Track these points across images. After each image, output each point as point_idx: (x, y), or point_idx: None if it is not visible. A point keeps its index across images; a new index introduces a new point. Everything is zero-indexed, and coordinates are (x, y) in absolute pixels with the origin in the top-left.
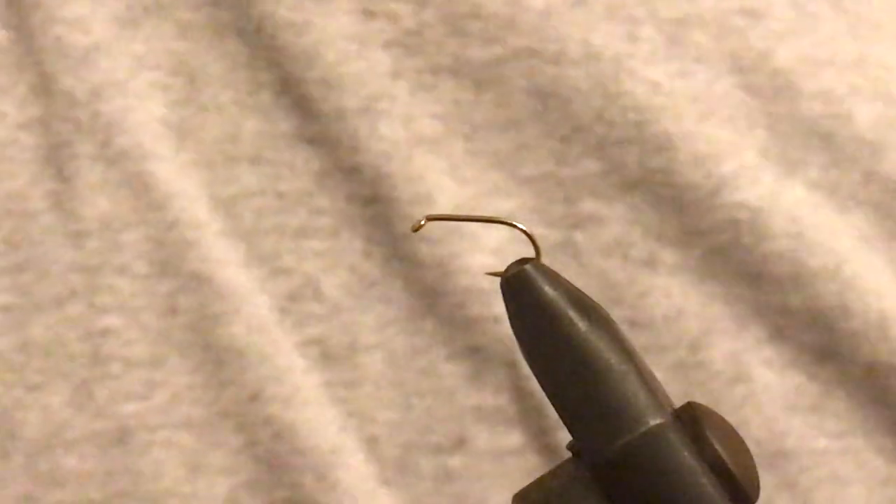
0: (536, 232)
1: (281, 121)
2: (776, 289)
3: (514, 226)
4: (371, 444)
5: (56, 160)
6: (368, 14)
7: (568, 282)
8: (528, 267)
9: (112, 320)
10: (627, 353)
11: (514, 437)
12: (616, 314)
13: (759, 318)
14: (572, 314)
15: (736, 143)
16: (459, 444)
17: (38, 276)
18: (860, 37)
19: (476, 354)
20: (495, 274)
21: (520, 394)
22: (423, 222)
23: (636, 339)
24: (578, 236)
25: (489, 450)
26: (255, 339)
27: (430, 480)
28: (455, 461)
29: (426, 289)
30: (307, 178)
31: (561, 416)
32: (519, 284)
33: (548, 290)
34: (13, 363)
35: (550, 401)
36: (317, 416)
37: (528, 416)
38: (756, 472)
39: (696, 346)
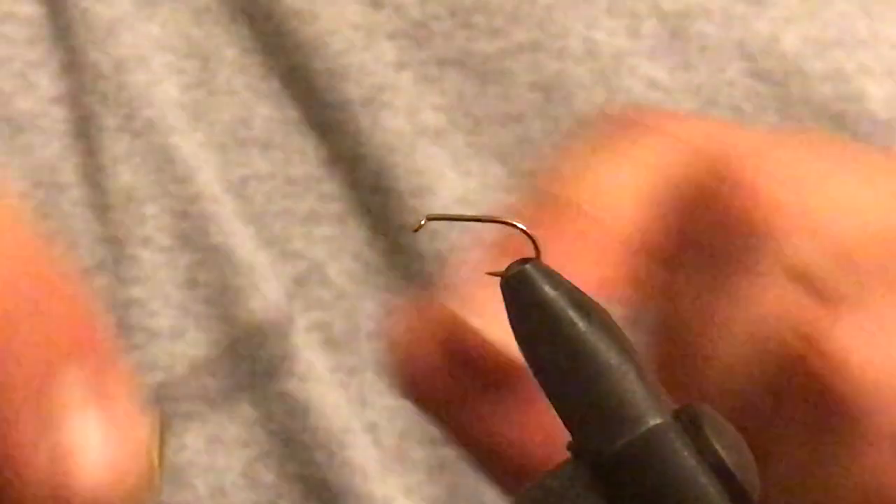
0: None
1: (290, 107)
2: None
3: (515, 226)
4: (371, 429)
5: (85, 133)
6: (375, 4)
7: (568, 282)
8: (528, 267)
9: (137, 292)
10: (627, 353)
11: None
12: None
13: None
14: (572, 314)
15: None
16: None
17: (66, 248)
18: (872, 14)
19: None
20: (495, 274)
21: None
22: (423, 222)
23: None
24: None
25: None
26: (272, 316)
27: (425, 470)
28: (449, 452)
29: (427, 281)
30: (317, 164)
31: (560, 416)
32: (519, 284)
33: (548, 290)
34: None
35: (550, 400)
36: (328, 396)
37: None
38: (756, 473)
39: None
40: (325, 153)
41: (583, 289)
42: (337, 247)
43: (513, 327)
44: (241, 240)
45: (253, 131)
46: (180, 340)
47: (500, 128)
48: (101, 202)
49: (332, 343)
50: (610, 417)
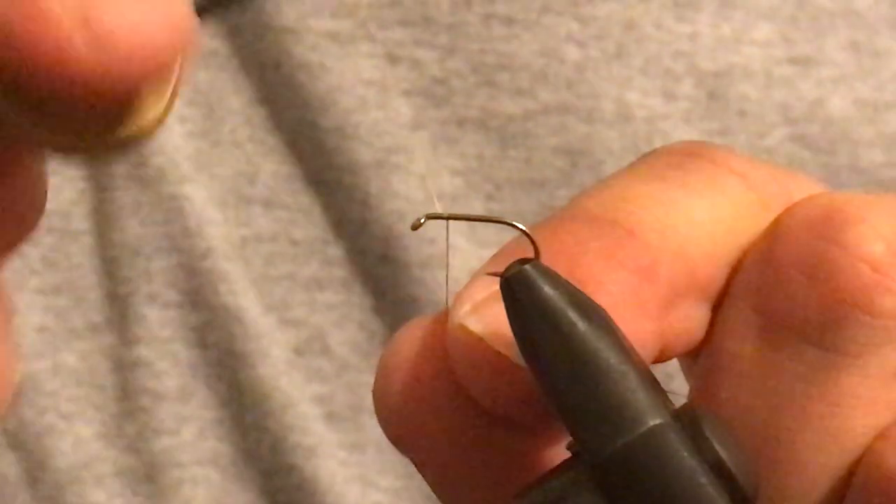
0: None
1: (297, 164)
2: None
3: (514, 226)
4: None
5: (97, 179)
6: (392, 59)
7: (568, 282)
8: (527, 267)
9: (143, 351)
10: (627, 354)
11: None
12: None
13: None
14: (572, 314)
15: None
16: None
17: (74, 301)
18: None
19: None
20: (495, 274)
21: None
22: (422, 221)
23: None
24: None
25: None
26: (281, 384)
27: None
28: None
29: None
30: (322, 226)
31: (560, 416)
32: (518, 284)
33: (547, 290)
34: (46, 388)
35: (550, 401)
36: (337, 473)
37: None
38: (756, 472)
39: None
40: (331, 215)
41: (637, 343)
42: (340, 315)
43: (512, 327)
44: (250, 302)
45: (256, 188)
46: (189, 402)
47: (521, 194)
48: (109, 254)
49: (333, 417)
50: (610, 417)
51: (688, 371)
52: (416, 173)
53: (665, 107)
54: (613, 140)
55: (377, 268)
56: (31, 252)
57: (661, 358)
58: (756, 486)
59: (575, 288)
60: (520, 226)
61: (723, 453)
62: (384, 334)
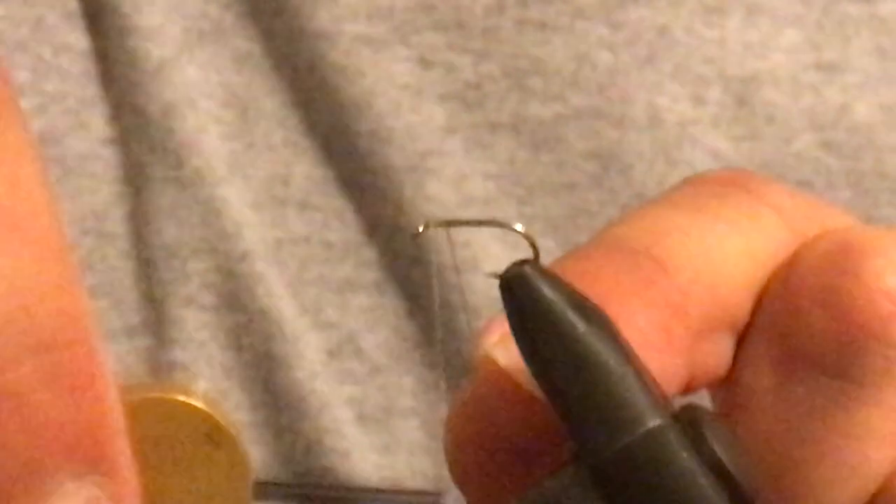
0: None
1: (331, 167)
2: None
3: (514, 229)
4: None
5: (133, 181)
6: (425, 63)
7: (568, 283)
8: (526, 268)
9: (178, 354)
10: (627, 354)
11: None
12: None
13: None
14: (571, 315)
15: None
16: None
17: (111, 304)
18: None
19: None
20: (494, 275)
21: None
22: (421, 228)
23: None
24: None
25: None
26: (316, 387)
27: None
28: None
29: (466, 359)
30: (356, 229)
31: (560, 418)
32: (517, 285)
33: (547, 290)
34: None
35: (550, 402)
36: (369, 475)
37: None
38: (756, 473)
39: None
40: (364, 218)
41: (664, 378)
42: (373, 318)
43: (512, 329)
44: (286, 304)
45: (290, 190)
46: (224, 404)
47: (552, 198)
48: (145, 256)
49: (365, 419)
50: (609, 419)
51: (712, 400)
52: (450, 177)
53: (694, 112)
54: (644, 144)
55: (410, 271)
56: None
57: (687, 389)
58: (756, 486)
59: (574, 289)
60: (518, 228)
61: (722, 454)
62: (416, 337)
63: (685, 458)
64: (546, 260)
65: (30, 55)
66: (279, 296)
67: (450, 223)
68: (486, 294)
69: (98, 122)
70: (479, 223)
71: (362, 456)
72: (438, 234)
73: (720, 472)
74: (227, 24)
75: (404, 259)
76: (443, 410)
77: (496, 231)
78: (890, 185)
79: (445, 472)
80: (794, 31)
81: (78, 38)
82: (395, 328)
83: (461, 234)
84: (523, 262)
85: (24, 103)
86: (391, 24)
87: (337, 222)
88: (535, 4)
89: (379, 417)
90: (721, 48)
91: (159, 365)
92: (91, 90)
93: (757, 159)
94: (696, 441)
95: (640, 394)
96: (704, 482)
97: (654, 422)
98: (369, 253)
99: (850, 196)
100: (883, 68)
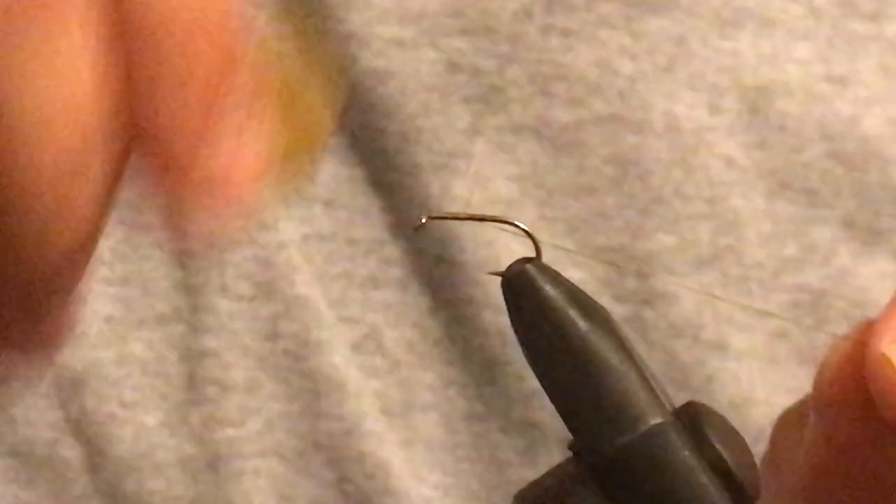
0: (605, 305)
1: (358, 166)
2: None
3: (515, 225)
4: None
5: None
6: (453, 67)
7: (569, 282)
8: (528, 266)
9: (211, 342)
10: (628, 353)
11: None
12: (681, 397)
13: None
14: (573, 314)
15: (811, 218)
16: None
17: (142, 291)
18: None
19: (532, 430)
20: (496, 273)
21: None
22: (423, 220)
23: None
24: (648, 313)
25: None
26: (352, 373)
27: None
28: None
29: (488, 356)
30: (380, 226)
31: (561, 416)
32: (520, 284)
33: (549, 289)
34: (111, 377)
35: (551, 400)
36: (405, 460)
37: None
38: (757, 472)
39: (761, 436)
40: (389, 216)
41: None
42: (395, 314)
43: (513, 327)
44: (318, 295)
45: (318, 188)
46: (255, 394)
47: (572, 200)
48: (182, 246)
49: (386, 413)
50: (610, 417)
51: None
52: (474, 177)
53: (710, 119)
54: (662, 150)
55: (433, 268)
56: (101, 244)
57: None
58: (756, 485)
59: (576, 287)
60: (521, 225)
61: (723, 452)
62: (438, 334)
63: (686, 456)
64: (566, 261)
65: None
66: (312, 286)
67: (451, 217)
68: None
69: None
70: (481, 219)
71: (389, 446)
72: (465, 232)
73: (721, 470)
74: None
75: (428, 257)
76: (461, 406)
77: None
78: (893, 196)
79: (464, 468)
80: (805, 44)
81: None
82: (416, 324)
83: (485, 233)
84: (526, 260)
85: None
86: (421, 28)
87: (362, 220)
88: (561, 12)
89: (399, 412)
90: (736, 59)
91: (191, 352)
92: None
93: (768, 166)
94: (698, 439)
95: (642, 392)
96: (705, 480)
97: (655, 420)
98: (393, 250)
99: (854, 206)
100: (888, 85)
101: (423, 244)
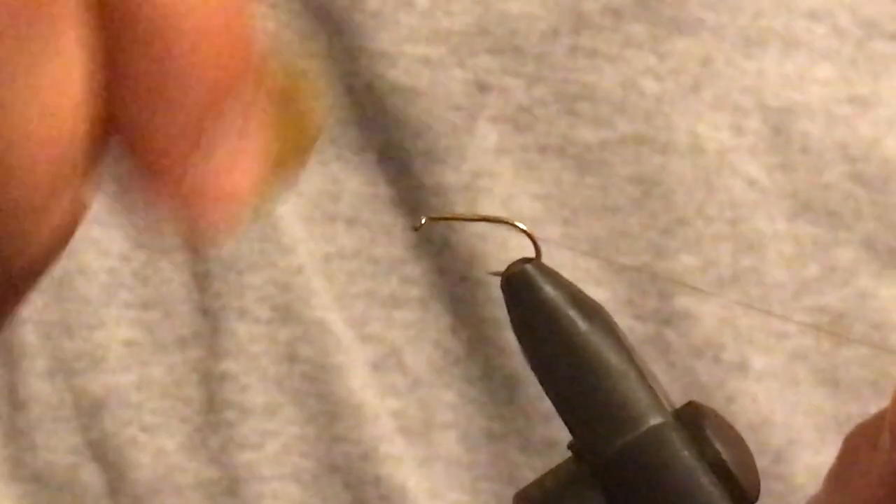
0: (627, 324)
1: (382, 184)
2: (854, 398)
3: (515, 225)
4: None
5: None
6: (482, 87)
7: (569, 282)
8: (528, 266)
9: (230, 365)
10: (628, 353)
11: None
12: None
13: (840, 431)
14: (573, 314)
15: (832, 239)
16: None
17: (163, 315)
18: None
19: (551, 449)
20: (496, 273)
21: None
22: (423, 221)
23: None
24: (670, 333)
25: None
26: (368, 396)
27: None
28: None
29: (508, 375)
30: (402, 245)
31: (561, 416)
32: (519, 284)
33: (548, 289)
34: (131, 401)
35: (551, 401)
36: (424, 479)
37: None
38: (757, 473)
39: (779, 458)
40: (411, 235)
41: None
42: (416, 333)
43: (513, 327)
44: (336, 316)
45: (340, 206)
46: (274, 418)
47: (595, 220)
48: (201, 270)
49: (405, 432)
50: (610, 417)
51: None
52: (499, 196)
53: (733, 140)
54: (686, 171)
55: (456, 287)
56: (122, 268)
57: None
58: (756, 485)
59: (576, 288)
60: (520, 225)
61: (724, 453)
62: (459, 353)
63: (686, 457)
64: (588, 281)
65: None
66: (331, 308)
67: (450, 218)
68: None
69: None
70: (482, 219)
71: (409, 466)
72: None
73: (721, 471)
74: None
75: (452, 275)
76: (481, 425)
77: (543, 251)
78: None
79: (482, 486)
80: (828, 65)
81: None
82: (437, 343)
83: (508, 252)
84: (525, 260)
85: None
86: (449, 47)
87: (385, 238)
88: (587, 32)
89: (419, 430)
90: (760, 79)
91: (210, 376)
92: None
93: (790, 188)
94: (698, 439)
95: (642, 392)
96: (705, 480)
97: (655, 420)
98: (414, 269)
99: (874, 227)
100: None
101: (448, 263)
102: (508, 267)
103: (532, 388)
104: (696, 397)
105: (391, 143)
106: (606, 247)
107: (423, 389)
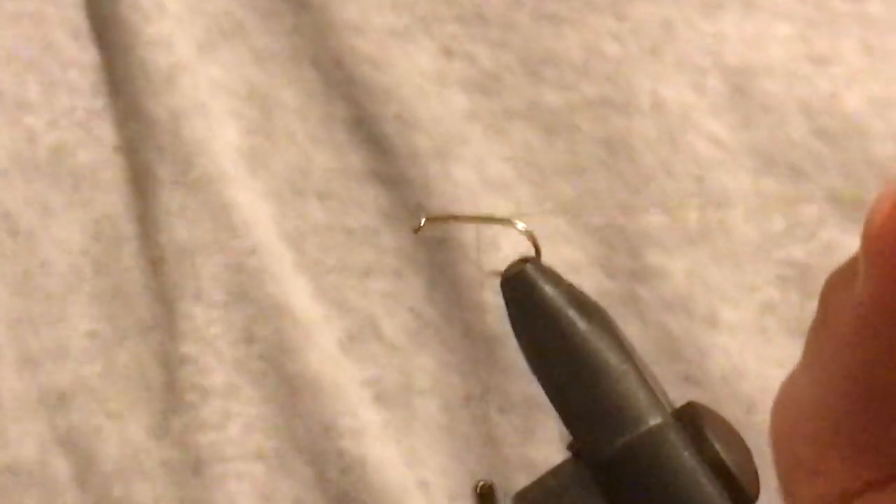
0: (599, 282)
1: (352, 156)
2: None
3: (514, 226)
4: (423, 488)
5: (143, 185)
6: (448, 53)
7: (569, 282)
8: (527, 266)
9: (189, 348)
10: (627, 353)
11: None
12: (674, 370)
13: None
14: (572, 314)
15: (797, 195)
16: (506, 496)
17: (124, 304)
18: None
19: (530, 407)
20: (495, 274)
21: None
22: (423, 222)
23: (692, 396)
24: (641, 289)
25: None
26: (328, 371)
27: None
28: None
29: (485, 337)
30: (375, 215)
31: (561, 416)
32: (519, 284)
33: (548, 289)
34: (96, 391)
35: (550, 401)
36: (384, 454)
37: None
38: (756, 472)
39: (752, 407)
40: (384, 204)
41: None
42: (392, 301)
43: (513, 327)
44: (298, 293)
45: (310, 181)
46: (234, 399)
47: (564, 181)
48: (157, 256)
49: (384, 399)
50: (610, 417)
51: None
52: (471, 161)
53: (695, 100)
54: (650, 130)
55: (431, 252)
56: (82, 262)
57: None
58: (756, 486)
59: (575, 287)
60: (520, 225)
61: (723, 453)
62: (435, 318)
63: (686, 457)
64: (559, 241)
65: (40, 73)
66: (290, 287)
67: (449, 218)
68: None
69: (108, 133)
70: (483, 219)
71: (378, 434)
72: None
73: (720, 471)
74: (249, 23)
75: (428, 241)
76: (459, 389)
77: (514, 213)
78: (877, 171)
79: (463, 449)
80: (787, 25)
81: (86, 54)
82: (413, 310)
83: (473, 199)
84: (525, 260)
85: (36, 119)
86: (415, 16)
87: (357, 210)
88: None
89: (398, 397)
90: (719, 40)
91: (171, 360)
92: (100, 102)
93: (753, 145)
94: (697, 439)
95: (641, 392)
96: (705, 480)
97: (654, 420)
98: (388, 239)
99: (840, 181)
100: (870, 63)
101: (424, 229)
102: (508, 267)
103: (510, 345)
104: (668, 351)
105: (361, 114)
106: (576, 207)
107: (401, 357)
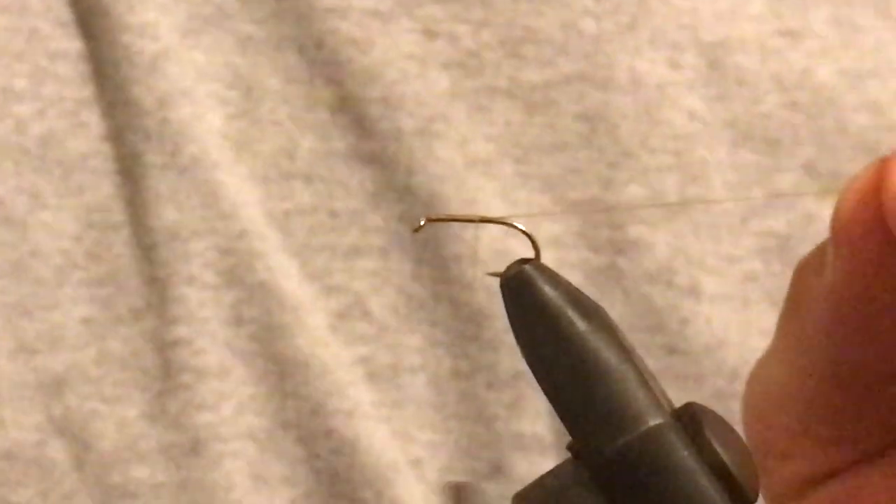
0: (581, 256)
1: (337, 138)
2: None
3: (514, 226)
4: (414, 465)
5: (132, 171)
6: (430, 34)
7: (568, 282)
8: (527, 267)
9: (182, 331)
10: (627, 353)
11: (550, 466)
12: (657, 341)
13: None
14: (572, 314)
15: (774, 165)
16: (496, 471)
17: (117, 290)
18: None
19: (518, 381)
20: (495, 274)
21: (559, 422)
22: (423, 223)
23: (676, 367)
24: (623, 262)
25: (526, 478)
26: (318, 352)
27: None
28: (491, 488)
29: (473, 313)
30: (361, 196)
31: (560, 417)
32: (518, 284)
33: (547, 289)
34: (91, 376)
35: (550, 401)
36: (375, 432)
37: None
38: (756, 473)
39: (734, 377)
40: (369, 185)
41: None
42: (380, 280)
43: (512, 327)
44: (286, 275)
45: (296, 163)
46: (227, 379)
47: (546, 157)
48: (148, 241)
49: (374, 377)
50: (610, 417)
51: None
52: (454, 140)
53: (671, 75)
54: (628, 105)
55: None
56: (75, 248)
57: None
58: (756, 486)
59: (575, 288)
60: (519, 226)
61: (723, 453)
62: (423, 296)
63: (685, 457)
64: (540, 218)
65: (27, 63)
66: (279, 268)
67: (449, 219)
68: (491, 248)
69: (95, 121)
70: (481, 220)
71: (368, 413)
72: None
73: (720, 471)
74: (230, 8)
75: (411, 221)
76: (448, 365)
77: (498, 190)
78: (851, 142)
79: (453, 426)
80: (759, 0)
81: (72, 44)
82: (401, 289)
83: (468, 191)
84: (524, 260)
85: (24, 109)
86: None
87: (342, 191)
88: None
89: (387, 375)
90: (694, 16)
91: (165, 343)
92: (87, 91)
93: (729, 118)
94: (697, 440)
95: (641, 392)
96: (704, 481)
97: (654, 420)
98: (374, 219)
99: (814, 153)
100: (840, 36)
101: (409, 208)
102: (507, 268)
103: (497, 322)
104: (651, 322)
105: (344, 96)
106: (558, 182)
107: (390, 335)
